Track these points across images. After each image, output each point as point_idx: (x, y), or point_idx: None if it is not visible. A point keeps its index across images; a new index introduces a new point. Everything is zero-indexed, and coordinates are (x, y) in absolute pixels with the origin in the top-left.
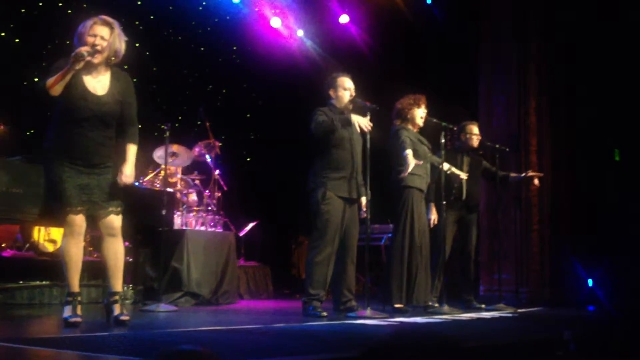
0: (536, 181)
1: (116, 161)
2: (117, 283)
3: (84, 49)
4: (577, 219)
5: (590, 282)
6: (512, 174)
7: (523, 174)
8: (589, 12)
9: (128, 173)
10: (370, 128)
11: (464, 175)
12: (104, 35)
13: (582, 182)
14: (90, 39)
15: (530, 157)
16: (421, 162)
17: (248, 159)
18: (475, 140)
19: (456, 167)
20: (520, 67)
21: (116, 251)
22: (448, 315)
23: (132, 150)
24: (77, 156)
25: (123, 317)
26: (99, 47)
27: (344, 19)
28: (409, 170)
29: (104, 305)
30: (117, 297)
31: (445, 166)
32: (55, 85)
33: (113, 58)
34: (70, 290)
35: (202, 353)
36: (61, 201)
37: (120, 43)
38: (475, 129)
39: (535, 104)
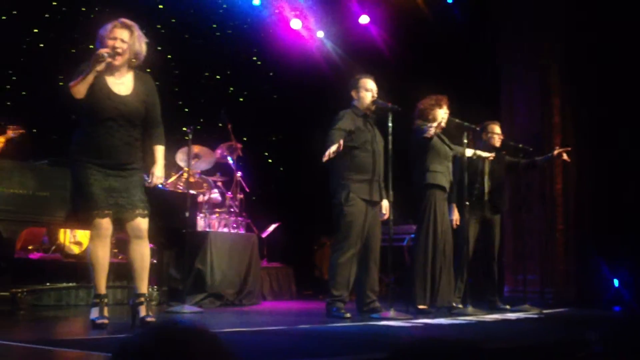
0: (565, 156)
1: (145, 162)
2: (143, 285)
3: (103, 51)
4: (602, 219)
5: (616, 282)
6: (538, 158)
7: (550, 154)
8: (612, 12)
9: (158, 174)
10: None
11: (489, 155)
12: (124, 38)
13: (606, 181)
14: (110, 42)
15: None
16: (438, 125)
17: (270, 161)
18: (498, 140)
19: (477, 167)
20: (542, 66)
21: (142, 253)
22: (472, 316)
23: (159, 151)
24: (104, 156)
25: (149, 319)
26: (119, 50)
27: (364, 19)
28: (433, 129)
29: (130, 306)
30: (142, 299)
31: (469, 152)
32: (77, 87)
33: (134, 60)
34: (97, 292)
35: (197, 329)
36: (88, 204)
37: (140, 45)
38: (497, 129)
39: (558, 103)
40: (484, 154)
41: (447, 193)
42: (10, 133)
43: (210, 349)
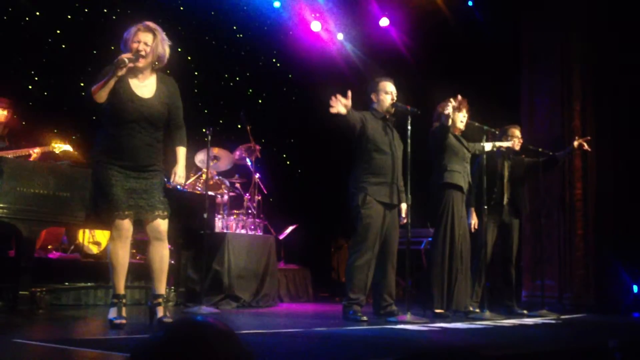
0: (586, 145)
1: (167, 164)
2: (161, 286)
3: (125, 56)
4: (621, 224)
5: (635, 288)
6: (558, 153)
7: (569, 147)
8: (635, 12)
9: (180, 174)
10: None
11: (509, 144)
12: (148, 41)
13: (627, 187)
14: (134, 45)
15: (574, 161)
16: (458, 102)
17: (288, 163)
18: (517, 144)
19: (496, 171)
20: (564, 69)
21: (162, 255)
22: (489, 321)
23: (182, 152)
24: (126, 158)
25: (166, 319)
26: (142, 53)
27: (384, 22)
28: (450, 107)
29: (148, 307)
30: (160, 300)
31: (488, 146)
32: (99, 92)
33: (157, 63)
34: (115, 292)
35: (216, 326)
36: (109, 205)
37: (163, 48)
38: (517, 132)
39: (579, 107)
40: (504, 144)
41: (464, 194)
42: (54, 148)
43: (228, 344)
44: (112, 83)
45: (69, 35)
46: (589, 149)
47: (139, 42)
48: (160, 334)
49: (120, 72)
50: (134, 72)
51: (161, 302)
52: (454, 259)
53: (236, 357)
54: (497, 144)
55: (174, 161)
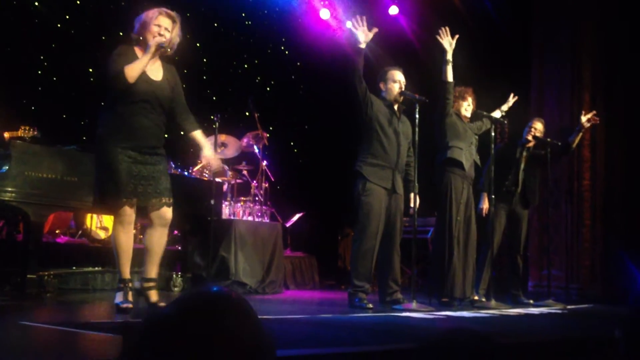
0: (595, 119)
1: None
2: (156, 270)
3: (162, 40)
4: (630, 215)
5: None
6: (569, 138)
7: (578, 126)
8: None
9: (210, 154)
10: None
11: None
12: (168, 27)
13: (635, 178)
14: (154, 29)
15: (582, 152)
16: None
17: (295, 150)
18: (530, 134)
19: (513, 159)
20: (574, 60)
21: (161, 240)
22: (495, 310)
23: (199, 134)
24: (137, 138)
25: (162, 304)
26: (163, 39)
27: (393, 10)
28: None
29: (141, 289)
30: (153, 284)
31: (497, 113)
32: (134, 72)
33: (170, 49)
34: (121, 277)
35: (231, 296)
36: (114, 190)
37: (179, 36)
38: (538, 125)
39: (589, 98)
40: (511, 100)
41: (466, 173)
42: (20, 133)
43: (238, 311)
44: (146, 63)
45: (78, 20)
46: (597, 121)
47: (159, 26)
48: (174, 307)
49: (154, 56)
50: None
51: (154, 286)
52: (453, 245)
53: (256, 333)
54: (503, 108)
55: (181, 150)
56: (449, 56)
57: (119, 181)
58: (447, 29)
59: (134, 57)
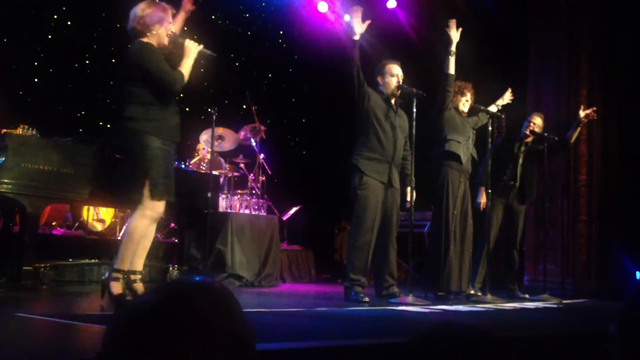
0: (593, 114)
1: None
2: (142, 262)
3: (207, 51)
4: (625, 211)
5: (638, 274)
6: (567, 133)
7: (576, 121)
8: None
9: (190, 43)
10: None
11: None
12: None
13: (632, 173)
14: (168, 25)
15: (579, 147)
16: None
17: (292, 144)
18: (528, 128)
19: (512, 153)
20: (571, 55)
21: (152, 234)
22: (491, 304)
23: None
24: (174, 135)
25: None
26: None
27: (391, 3)
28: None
29: (102, 281)
30: (140, 276)
31: (493, 108)
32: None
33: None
34: (122, 268)
35: (213, 286)
36: (154, 189)
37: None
38: (537, 120)
39: (586, 93)
40: (506, 96)
41: (463, 167)
42: (20, 132)
43: (218, 302)
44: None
45: (75, 12)
46: (595, 117)
47: (170, 23)
48: (152, 295)
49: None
50: (162, 51)
51: (141, 279)
52: (449, 239)
53: (236, 325)
54: (499, 102)
55: (178, 142)
56: (454, 47)
57: (157, 175)
58: (455, 21)
59: (160, 55)
